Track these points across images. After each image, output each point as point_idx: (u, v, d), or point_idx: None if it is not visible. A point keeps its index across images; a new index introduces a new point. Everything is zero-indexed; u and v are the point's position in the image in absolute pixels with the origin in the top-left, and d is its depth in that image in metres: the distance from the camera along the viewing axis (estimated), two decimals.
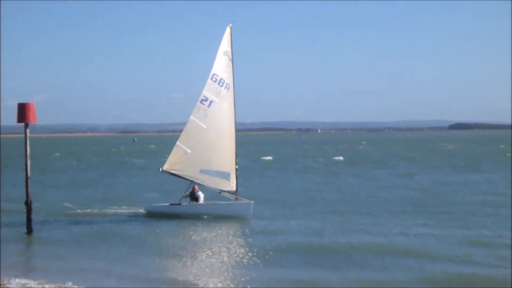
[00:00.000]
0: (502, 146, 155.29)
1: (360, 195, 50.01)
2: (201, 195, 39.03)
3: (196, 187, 38.98)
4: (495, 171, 74.31)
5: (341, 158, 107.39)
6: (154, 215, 39.05)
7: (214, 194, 40.98)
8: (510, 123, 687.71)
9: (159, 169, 39.59)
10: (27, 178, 33.12)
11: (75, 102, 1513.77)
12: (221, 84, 39.40)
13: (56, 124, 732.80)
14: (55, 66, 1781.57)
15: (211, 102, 39.21)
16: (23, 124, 32.83)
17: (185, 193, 39.18)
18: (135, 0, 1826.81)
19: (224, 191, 39.45)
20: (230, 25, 39.93)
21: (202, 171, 38.96)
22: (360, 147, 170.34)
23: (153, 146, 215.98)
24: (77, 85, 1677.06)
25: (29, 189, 33.14)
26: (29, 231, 33.57)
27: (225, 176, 39.12)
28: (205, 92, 39.23)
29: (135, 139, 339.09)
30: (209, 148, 39.22)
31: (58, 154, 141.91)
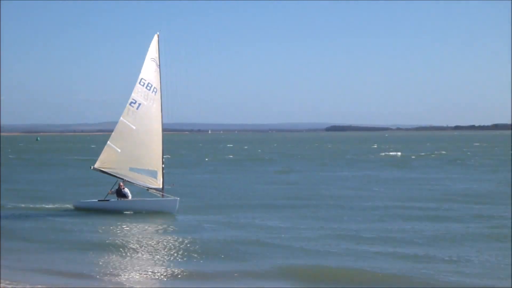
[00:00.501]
0: (375, 146, 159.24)
1: (238, 190, 50.84)
2: (128, 191, 37.83)
3: (122, 184, 37.78)
4: (370, 168, 76.10)
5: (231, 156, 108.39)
6: (82, 211, 37.73)
7: (141, 191, 39.84)
8: (380, 125, 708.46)
9: (91, 167, 38.45)
10: None
11: None
12: (148, 88, 38.49)
13: None
14: None
15: (139, 104, 38.28)
16: None
17: (111, 190, 37.90)
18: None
19: (152, 188, 38.53)
20: (158, 33, 39.13)
21: (131, 169, 38.02)
22: (246, 147, 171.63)
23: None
24: None
25: None
26: None
27: (153, 174, 38.27)
28: (134, 95, 38.29)
29: (38, 138, 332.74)
30: (138, 148, 38.29)
31: None
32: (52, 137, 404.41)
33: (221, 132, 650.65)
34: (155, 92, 38.69)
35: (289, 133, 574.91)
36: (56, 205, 40.00)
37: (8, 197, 44.37)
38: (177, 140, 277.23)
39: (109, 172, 38.20)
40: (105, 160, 38.06)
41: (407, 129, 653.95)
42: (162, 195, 38.36)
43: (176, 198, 37.39)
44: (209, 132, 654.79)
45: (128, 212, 37.21)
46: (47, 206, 39.86)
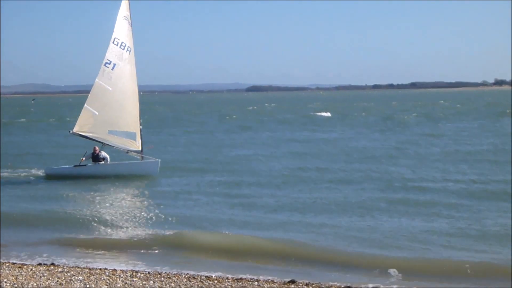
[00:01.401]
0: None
1: None
2: (107, 155, 36.75)
3: (97, 148, 36.56)
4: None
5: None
6: (55, 178, 35.94)
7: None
8: (300, 85, 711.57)
9: (69, 131, 37.15)
10: None
11: None
12: (122, 47, 37.21)
13: None
14: None
15: (114, 65, 36.97)
16: None
17: (83, 157, 36.44)
18: None
19: (131, 151, 37.43)
20: None
21: (110, 132, 36.79)
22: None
23: None
24: None
25: None
26: None
27: (132, 136, 37.16)
28: (108, 55, 36.90)
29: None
30: (115, 110, 37.01)
31: None
32: None
33: (141, 93, 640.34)
34: (129, 51, 37.46)
35: (211, 94, 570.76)
36: (25, 173, 38.08)
37: None
38: None
39: (88, 136, 36.81)
40: (83, 124, 36.65)
41: (325, 89, 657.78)
42: (142, 157, 37.43)
43: (157, 160, 36.55)
44: (141, 93, 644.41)
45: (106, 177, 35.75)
46: (15, 174, 37.69)
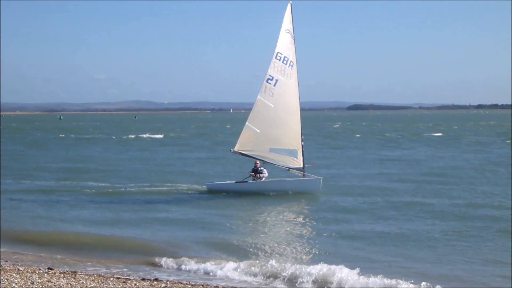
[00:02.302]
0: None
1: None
2: (265, 171, 35.49)
3: (258, 162, 35.56)
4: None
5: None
6: (216, 193, 35.39)
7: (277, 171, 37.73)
8: (402, 104, 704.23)
9: (230, 150, 36.26)
10: None
11: (4, 82, 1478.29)
12: (285, 62, 35.80)
13: None
14: None
15: (276, 80, 35.63)
16: None
17: (251, 172, 35.56)
18: None
19: (292, 168, 35.98)
20: (291, 2, 36.27)
21: (271, 150, 35.59)
22: None
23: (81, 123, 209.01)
24: (6, 66, 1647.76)
25: None
26: None
27: (293, 153, 35.73)
28: (271, 71, 35.63)
29: (61, 117, 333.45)
30: (277, 127, 35.72)
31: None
32: (75, 116, 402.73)
33: (242, 111, 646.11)
34: (292, 66, 36.00)
35: (312, 112, 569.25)
36: (188, 185, 38.01)
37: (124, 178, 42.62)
38: (215, 118, 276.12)
39: (249, 155, 35.87)
40: (245, 142, 35.75)
41: (428, 108, 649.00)
42: (303, 175, 35.91)
43: (319, 177, 35.09)
44: (231, 111, 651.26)
45: (271, 194, 34.87)
46: (180, 187, 37.78)
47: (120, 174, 45.86)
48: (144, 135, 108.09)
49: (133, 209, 30.81)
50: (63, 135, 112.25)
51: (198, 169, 49.26)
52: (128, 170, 48.90)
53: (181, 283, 17.56)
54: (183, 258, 20.61)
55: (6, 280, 15.85)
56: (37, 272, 17.74)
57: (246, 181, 35.60)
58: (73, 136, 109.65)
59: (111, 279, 17.34)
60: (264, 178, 35.47)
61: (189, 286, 17.15)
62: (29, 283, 15.97)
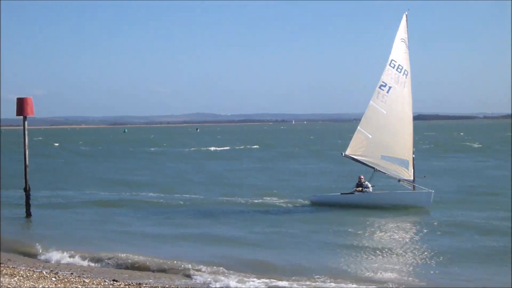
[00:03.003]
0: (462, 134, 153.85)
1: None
2: (369, 185, 35.14)
3: (362, 176, 35.23)
4: None
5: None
6: (320, 205, 35.25)
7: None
8: (467, 114, 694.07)
9: (342, 154, 35.99)
10: (25, 166, 32.61)
11: (70, 96, 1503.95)
12: (399, 70, 35.72)
13: (53, 117, 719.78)
14: (53, 63, 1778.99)
15: (390, 88, 35.58)
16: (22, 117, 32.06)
17: (356, 188, 35.26)
18: None
19: (403, 179, 35.55)
20: (406, 13, 36.16)
21: (383, 157, 35.38)
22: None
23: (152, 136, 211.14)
24: (72, 80, 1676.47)
25: (27, 177, 32.64)
26: (28, 214, 33.12)
27: (405, 164, 35.37)
28: (384, 78, 35.64)
29: (126, 130, 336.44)
30: (389, 134, 35.56)
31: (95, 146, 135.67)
32: (139, 129, 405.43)
33: (305, 122, 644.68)
34: (406, 74, 35.84)
35: None
36: (289, 199, 37.93)
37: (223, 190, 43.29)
38: (285, 130, 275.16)
39: (360, 160, 35.55)
40: (356, 147, 35.56)
41: (493, 117, 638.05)
42: (414, 187, 35.38)
43: (430, 190, 34.42)
44: (293, 122, 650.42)
45: (373, 207, 34.42)
46: (279, 202, 37.60)
47: (218, 185, 46.79)
48: (211, 148, 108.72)
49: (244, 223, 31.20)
50: (152, 149, 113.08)
51: (293, 182, 49.07)
52: (223, 182, 49.67)
53: None
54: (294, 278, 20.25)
55: None
56: (102, 284, 18.26)
57: (352, 193, 35.24)
58: (152, 149, 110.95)
59: None
60: (369, 191, 35.16)
61: None
62: None
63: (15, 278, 18.72)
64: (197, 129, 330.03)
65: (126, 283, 18.67)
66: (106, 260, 23.03)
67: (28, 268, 21.40)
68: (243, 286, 19.14)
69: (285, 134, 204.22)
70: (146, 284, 18.80)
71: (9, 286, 17.43)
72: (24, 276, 19.26)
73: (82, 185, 48.22)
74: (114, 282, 18.88)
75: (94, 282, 18.73)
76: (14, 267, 21.34)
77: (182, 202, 38.01)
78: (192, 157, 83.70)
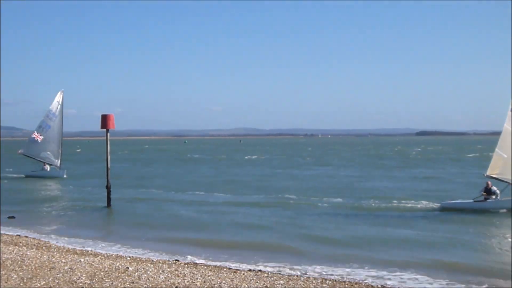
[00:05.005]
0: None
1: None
2: (497, 190, 31.18)
3: (489, 182, 31.34)
4: None
5: None
6: (450, 211, 31.04)
7: None
8: (460, 131, 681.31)
9: (483, 174, 31.92)
10: (107, 169, 33.68)
11: (142, 113, 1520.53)
12: None
13: (129, 130, 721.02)
14: (130, 85, 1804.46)
15: None
16: (104, 129, 32.98)
17: (483, 192, 31.36)
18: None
19: None
20: None
21: None
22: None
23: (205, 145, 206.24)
24: (144, 100, 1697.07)
25: (109, 177, 33.53)
26: (108, 205, 33.31)
27: None
28: None
29: (186, 141, 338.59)
30: None
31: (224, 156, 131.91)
32: (196, 140, 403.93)
33: (329, 136, 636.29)
34: None
35: (385, 137, 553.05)
36: (419, 205, 33.57)
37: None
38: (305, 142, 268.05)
39: (498, 178, 31.46)
40: (494, 167, 31.70)
41: (482, 134, 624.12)
42: None
43: None
44: (319, 136, 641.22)
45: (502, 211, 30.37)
46: (407, 205, 33.62)
47: (347, 191, 41.90)
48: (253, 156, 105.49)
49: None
50: (224, 156, 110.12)
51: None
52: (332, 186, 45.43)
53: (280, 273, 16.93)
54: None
55: (142, 269, 15.99)
56: (167, 263, 17.96)
57: (484, 200, 31.21)
58: (224, 156, 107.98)
59: (224, 269, 17.16)
60: (496, 197, 31.13)
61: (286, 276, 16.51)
62: (160, 271, 15.98)
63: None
64: (240, 141, 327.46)
65: (186, 263, 18.55)
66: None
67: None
68: None
69: (324, 146, 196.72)
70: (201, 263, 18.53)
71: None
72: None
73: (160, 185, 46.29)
74: (176, 261, 18.64)
75: (160, 261, 18.85)
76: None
77: (321, 205, 34.23)
78: (277, 165, 77.42)
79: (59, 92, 55.80)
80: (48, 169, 55.14)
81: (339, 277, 16.87)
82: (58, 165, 55.18)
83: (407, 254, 20.24)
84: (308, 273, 17.32)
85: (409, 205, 33.38)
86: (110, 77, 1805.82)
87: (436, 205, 32.62)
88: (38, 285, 13.25)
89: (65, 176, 53.73)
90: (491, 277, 17.07)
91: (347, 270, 17.82)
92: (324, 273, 17.43)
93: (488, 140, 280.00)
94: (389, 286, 15.97)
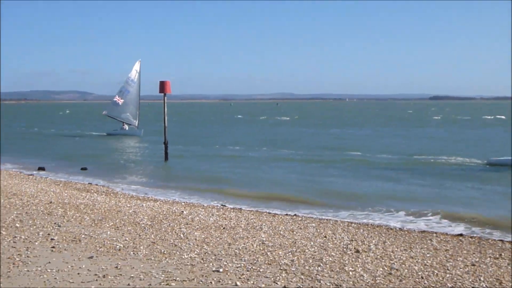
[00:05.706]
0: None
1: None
2: None
3: None
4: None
5: None
6: (494, 165, 29.03)
7: None
8: (468, 96, 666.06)
9: None
10: (165, 127, 33.25)
11: (193, 80, 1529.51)
12: None
13: (181, 95, 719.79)
14: (183, 56, 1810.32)
15: None
16: (162, 94, 32.66)
17: None
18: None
19: None
20: None
21: None
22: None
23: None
24: (195, 68, 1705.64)
25: (166, 134, 33.23)
26: (166, 159, 33.18)
27: None
28: None
29: (231, 104, 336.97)
30: None
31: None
32: (241, 103, 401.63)
33: (355, 100, 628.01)
34: None
35: (403, 101, 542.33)
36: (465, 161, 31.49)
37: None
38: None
39: None
40: None
41: (488, 99, 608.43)
42: None
43: None
44: (347, 100, 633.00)
45: None
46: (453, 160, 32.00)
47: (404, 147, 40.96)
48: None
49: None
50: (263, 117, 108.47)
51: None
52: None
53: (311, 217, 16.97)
54: None
55: (195, 213, 16.15)
56: (215, 208, 18.05)
57: None
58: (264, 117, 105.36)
59: (264, 213, 17.23)
60: None
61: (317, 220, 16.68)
62: (210, 214, 16.05)
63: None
64: (277, 104, 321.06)
65: (232, 207, 18.88)
66: None
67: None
68: None
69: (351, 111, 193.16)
70: (245, 208, 17.99)
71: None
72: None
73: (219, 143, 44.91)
74: (223, 206, 19.18)
75: (209, 206, 19.31)
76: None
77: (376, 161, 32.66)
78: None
79: (137, 62, 54.68)
80: (127, 128, 54.72)
81: (365, 221, 16.64)
82: (136, 124, 54.59)
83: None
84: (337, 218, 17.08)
85: (456, 161, 31.53)
86: (170, 45, 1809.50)
87: (483, 161, 30.53)
88: (107, 225, 13.38)
89: (141, 134, 53.01)
90: None
91: (380, 215, 17.56)
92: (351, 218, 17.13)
93: (497, 105, 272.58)
94: (409, 227, 15.52)
